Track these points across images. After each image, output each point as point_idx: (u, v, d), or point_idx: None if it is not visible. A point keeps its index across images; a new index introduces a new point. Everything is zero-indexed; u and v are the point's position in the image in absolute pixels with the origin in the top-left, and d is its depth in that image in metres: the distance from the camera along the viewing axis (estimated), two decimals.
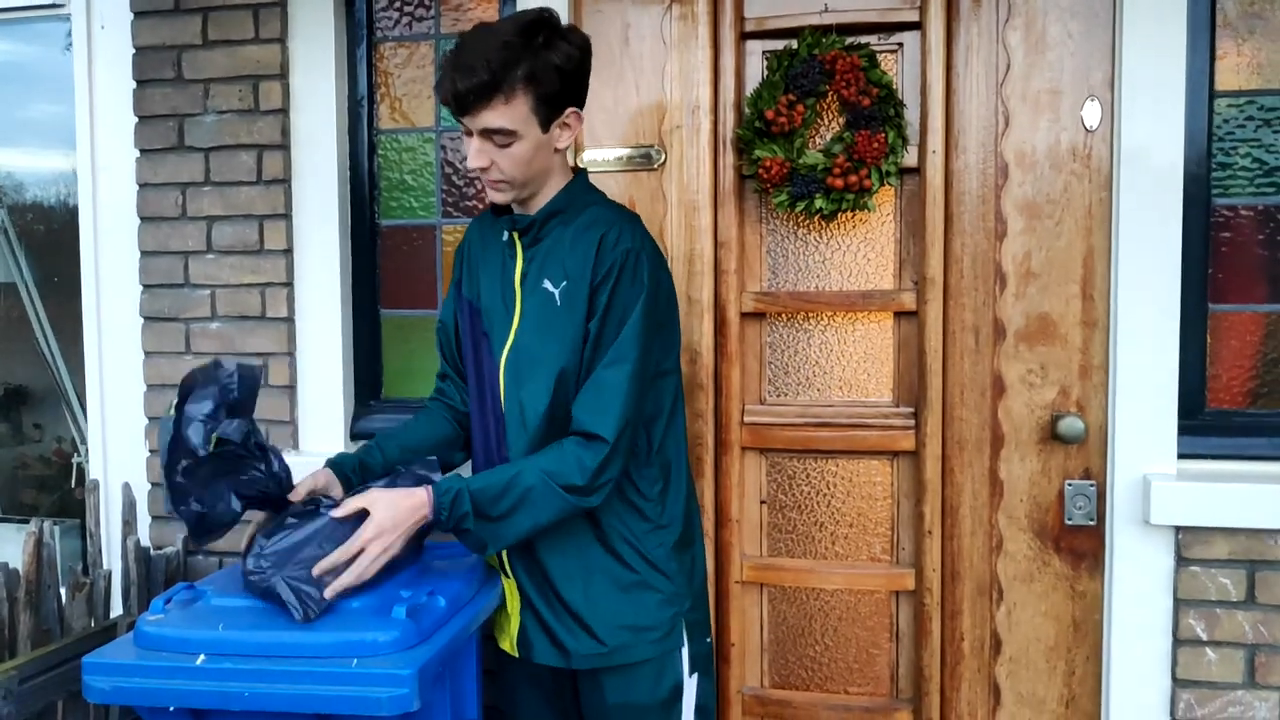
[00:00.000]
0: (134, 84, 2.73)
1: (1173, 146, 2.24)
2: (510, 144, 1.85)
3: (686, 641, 2.04)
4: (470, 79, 1.79)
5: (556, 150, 1.94)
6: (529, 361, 1.95)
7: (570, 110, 1.91)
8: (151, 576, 2.60)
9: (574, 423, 1.89)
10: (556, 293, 1.92)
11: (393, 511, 1.84)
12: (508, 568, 2.04)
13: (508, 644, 2.08)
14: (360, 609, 1.85)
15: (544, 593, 2.00)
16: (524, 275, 1.98)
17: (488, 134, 1.85)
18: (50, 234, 3.17)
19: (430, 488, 1.88)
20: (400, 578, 2.00)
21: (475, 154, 1.87)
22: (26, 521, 3.25)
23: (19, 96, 3.15)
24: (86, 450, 3.07)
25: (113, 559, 2.74)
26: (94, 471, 2.88)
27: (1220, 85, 2.30)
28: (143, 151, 2.73)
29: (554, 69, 1.84)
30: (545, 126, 1.88)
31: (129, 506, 2.67)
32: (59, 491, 3.28)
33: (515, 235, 1.99)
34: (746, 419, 2.49)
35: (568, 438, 1.89)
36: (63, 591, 2.46)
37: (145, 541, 2.72)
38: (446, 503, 1.85)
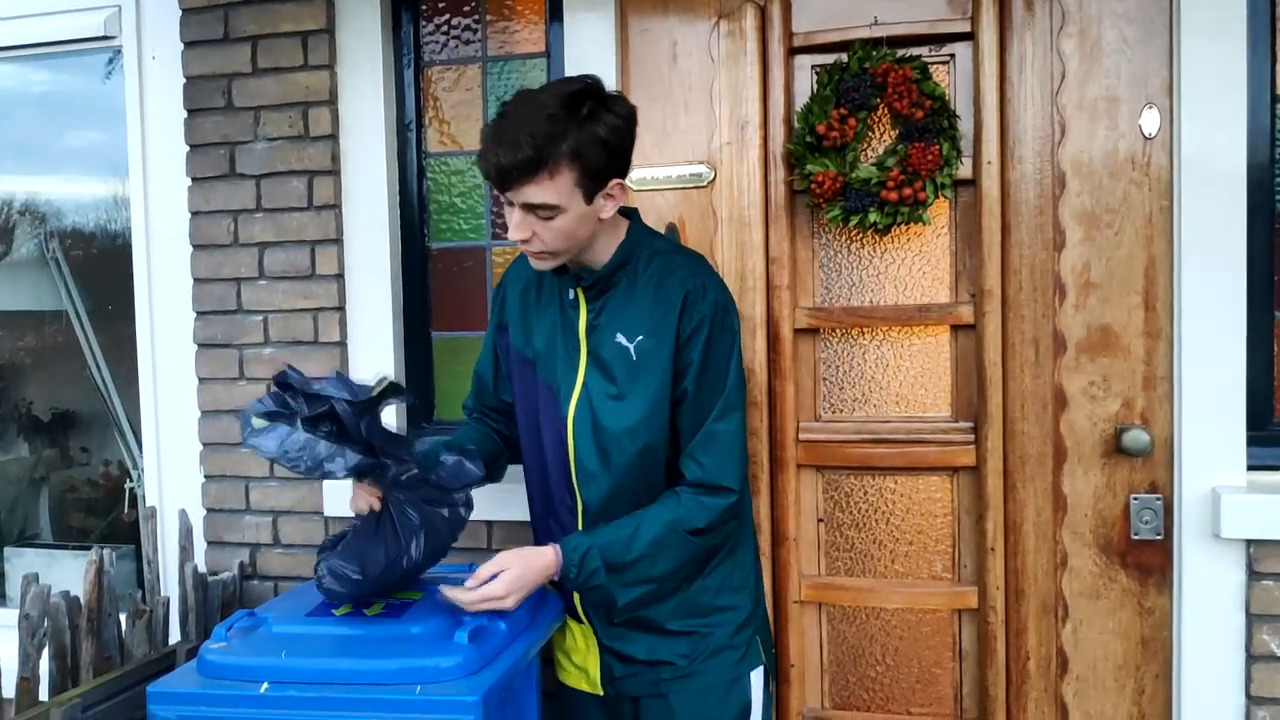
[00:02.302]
0: (185, 113, 2.76)
1: (1234, 152, 2.19)
2: (553, 218, 1.82)
3: (764, 658, 2.07)
4: (514, 155, 1.75)
5: (600, 220, 1.89)
6: (608, 413, 1.94)
7: (614, 182, 1.86)
8: (208, 602, 2.60)
9: (693, 475, 1.92)
10: (632, 347, 1.92)
11: (524, 572, 1.86)
12: (581, 613, 2.05)
13: (587, 684, 2.09)
14: (422, 634, 1.85)
15: (625, 630, 2.01)
16: (590, 327, 1.97)
17: (530, 208, 1.81)
18: (96, 260, 3.20)
19: (557, 547, 1.89)
20: None
21: (516, 227, 1.83)
22: (77, 546, 3.29)
23: (62, 125, 3.20)
24: (139, 475, 3.09)
25: (169, 585, 2.75)
26: (149, 498, 2.90)
27: None
28: (194, 179, 2.76)
29: (599, 143, 1.79)
30: (589, 199, 1.83)
31: (186, 533, 2.68)
32: (108, 515, 3.31)
33: (579, 291, 1.98)
34: (801, 436, 2.47)
35: (684, 489, 1.92)
36: (122, 619, 2.47)
37: (201, 567, 2.73)
38: (576, 559, 1.87)
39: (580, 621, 2.06)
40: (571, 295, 1.99)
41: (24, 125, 3.21)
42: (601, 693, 2.07)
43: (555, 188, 1.78)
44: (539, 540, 2.10)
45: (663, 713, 2.01)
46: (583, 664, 2.09)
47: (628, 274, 1.95)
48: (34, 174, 3.27)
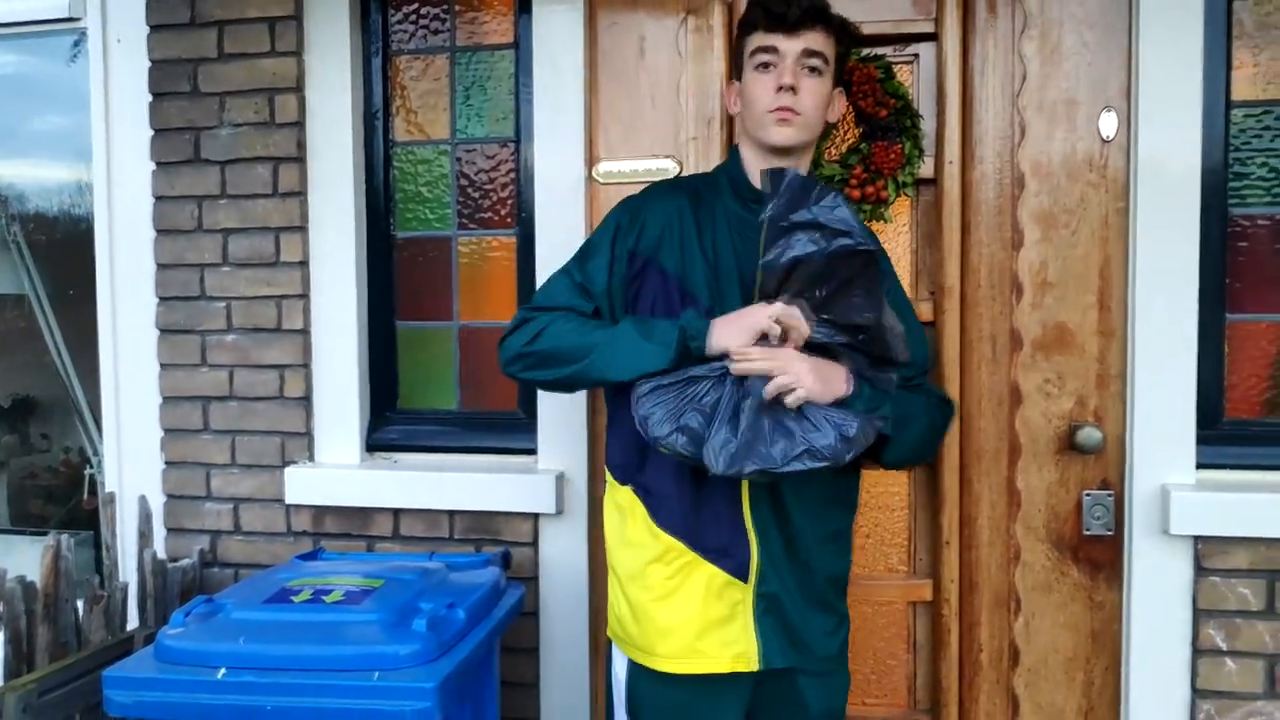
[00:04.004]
0: (150, 97, 2.74)
1: (1190, 156, 2.24)
2: (821, 73, 1.86)
3: None
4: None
5: (826, 122, 1.94)
6: None
7: (838, 88, 1.95)
8: (167, 589, 2.59)
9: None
10: None
11: (820, 372, 1.75)
12: (755, 571, 1.84)
13: (738, 661, 1.84)
14: (381, 621, 1.86)
15: (805, 588, 1.88)
16: None
17: (807, 55, 1.84)
18: (58, 245, 3.17)
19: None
20: (418, 590, 2.00)
21: (790, 73, 1.83)
22: (35, 532, 3.26)
23: (25, 108, 3.16)
24: (98, 461, 3.07)
25: (128, 571, 2.74)
26: (109, 483, 2.88)
27: (1237, 95, 2.30)
28: (159, 164, 2.74)
29: (848, 37, 1.93)
30: (834, 82, 1.91)
31: (145, 519, 2.67)
32: (67, 502, 3.28)
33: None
34: None
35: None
36: (79, 604, 2.46)
37: (161, 554, 2.72)
38: (864, 392, 1.79)
39: (745, 581, 1.84)
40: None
41: None
42: (757, 667, 1.84)
43: (830, 44, 1.87)
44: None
45: (822, 694, 1.91)
46: (734, 637, 1.84)
47: None
48: None
